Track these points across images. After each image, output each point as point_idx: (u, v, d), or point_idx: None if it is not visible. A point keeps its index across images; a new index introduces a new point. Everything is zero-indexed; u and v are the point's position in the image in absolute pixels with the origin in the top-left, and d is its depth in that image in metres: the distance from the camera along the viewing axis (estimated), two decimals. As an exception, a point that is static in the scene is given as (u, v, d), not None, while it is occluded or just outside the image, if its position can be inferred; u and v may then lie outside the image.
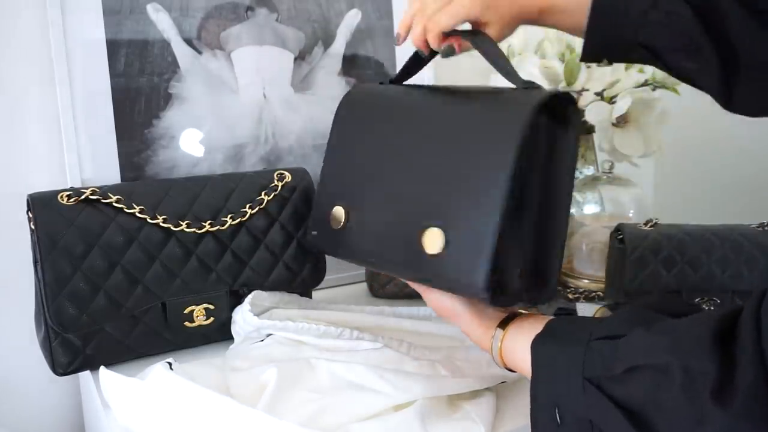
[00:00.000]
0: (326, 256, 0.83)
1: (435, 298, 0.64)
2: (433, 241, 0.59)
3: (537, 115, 0.58)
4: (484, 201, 0.57)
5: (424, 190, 0.61)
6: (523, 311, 0.61)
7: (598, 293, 0.95)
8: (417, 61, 0.71)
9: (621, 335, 0.48)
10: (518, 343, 0.56)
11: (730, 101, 0.62)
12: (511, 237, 0.58)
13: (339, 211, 0.68)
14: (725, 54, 0.59)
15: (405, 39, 0.68)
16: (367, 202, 0.66)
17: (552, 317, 0.57)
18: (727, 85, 0.60)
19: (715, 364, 0.42)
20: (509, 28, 0.67)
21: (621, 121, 1.03)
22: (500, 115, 0.59)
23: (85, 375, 0.77)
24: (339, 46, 1.00)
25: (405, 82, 0.73)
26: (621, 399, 0.47)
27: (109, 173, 0.86)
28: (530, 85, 0.61)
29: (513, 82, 0.62)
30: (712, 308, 0.81)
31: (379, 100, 0.70)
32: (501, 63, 0.63)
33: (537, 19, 0.67)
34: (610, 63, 0.66)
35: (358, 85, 0.78)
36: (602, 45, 0.65)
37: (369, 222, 0.66)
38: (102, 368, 0.65)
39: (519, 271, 0.60)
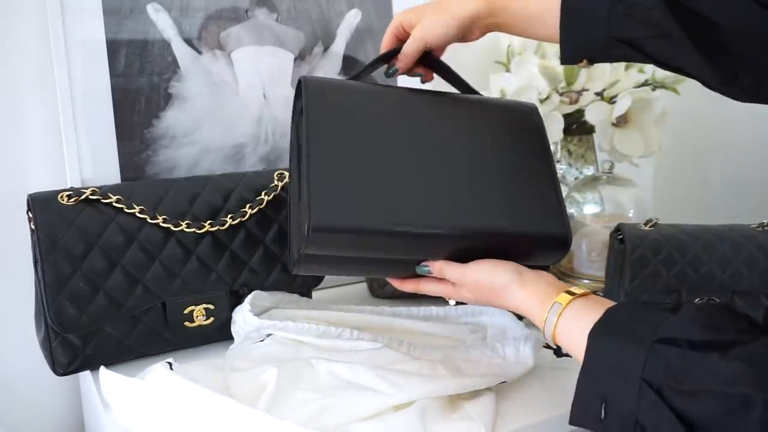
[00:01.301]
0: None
1: (474, 276, 0.62)
2: None
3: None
4: None
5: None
6: (579, 289, 0.59)
7: (598, 293, 0.95)
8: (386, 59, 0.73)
9: (687, 340, 0.47)
10: (575, 327, 0.55)
11: (725, 82, 0.59)
12: None
13: None
14: (699, 35, 0.58)
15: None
16: None
17: (613, 303, 0.55)
18: (716, 66, 0.58)
19: None
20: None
21: (621, 121, 1.03)
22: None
23: (85, 375, 0.77)
24: (339, 46, 1.00)
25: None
26: (685, 413, 0.46)
27: (109, 173, 0.86)
28: None
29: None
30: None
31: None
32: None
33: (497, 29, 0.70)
34: (591, 63, 0.66)
35: (319, 83, 0.68)
36: (578, 46, 0.65)
37: None
38: (102, 368, 0.65)
39: None
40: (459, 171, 0.65)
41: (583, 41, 0.64)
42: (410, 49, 0.70)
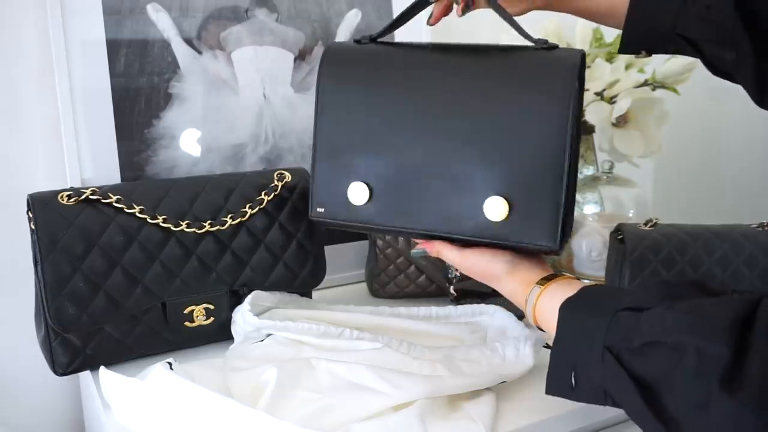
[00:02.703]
0: (325, 255, 0.83)
1: (471, 263, 0.65)
2: (497, 209, 0.62)
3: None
4: (546, 162, 0.60)
5: (470, 159, 0.63)
6: (563, 273, 0.62)
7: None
8: (414, 8, 0.71)
9: (647, 307, 0.49)
10: (552, 304, 0.57)
11: (762, 100, 0.61)
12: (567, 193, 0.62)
13: (360, 187, 0.66)
14: (762, 48, 0.59)
15: None
16: (392, 175, 0.66)
17: (589, 284, 0.58)
18: (762, 81, 0.60)
19: (729, 349, 0.42)
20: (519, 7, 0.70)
21: (621, 121, 1.03)
22: (547, 74, 0.61)
23: (85, 375, 0.77)
24: (339, 46, 1.00)
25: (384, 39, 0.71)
26: (637, 372, 0.47)
27: (109, 173, 0.86)
28: (547, 43, 0.63)
29: (529, 40, 0.64)
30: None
31: (377, 63, 0.68)
32: (515, 23, 0.64)
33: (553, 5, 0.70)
34: (649, 54, 0.67)
35: (335, 45, 0.71)
36: (641, 36, 0.66)
37: (401, 194, 0.65)
38: (102, 368, 0.65)
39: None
40: (442, 176, 0.64)
41: (646, 34, 0.65)
42: None
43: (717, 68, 0.65)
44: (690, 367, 0.44)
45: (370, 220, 0.67)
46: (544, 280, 0.61)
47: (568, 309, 0.54)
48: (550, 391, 0.55)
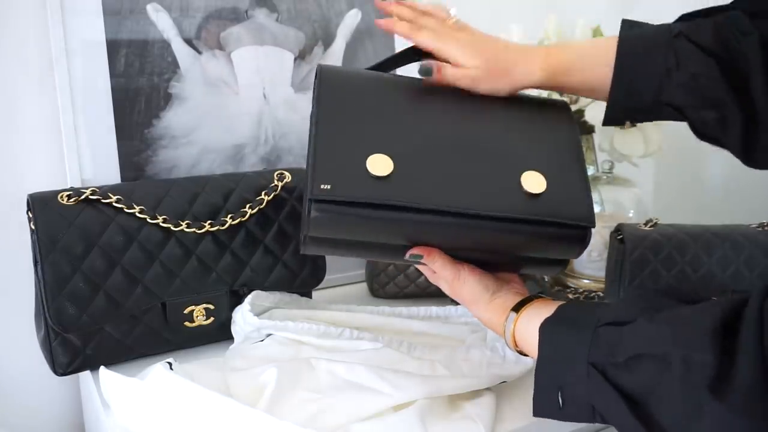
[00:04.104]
0: (326, 257, 0.83)
1: (463, 281, 0.63)
2: (535, 181, 0.63)
3: None
4: (569, 155, 0.66)
5: (500, 137, 0.66)
6: (540, 295, 0.62)
7: (598, 293, 0.95)
8: (409, 56, 0.72)
9: (628, 321, 0.49)
10: (530, 326, 0.57)
11: (749, 158, 0.62)
12: None
13: (381, 158, 0.60)
14: (748, 111, 0.59)
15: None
16: (417, 149, 0.62)
17: (564, 302, 0.57)
18: (746, 142, 0.60)
19: (715, 357, 0.42)
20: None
21: (621, 121, 1.03)
22: (553, 110, 0.71)
23: (85, 375, 0.77)
24: (339, 46, 1.00)
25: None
26: (624, 387, 0.47)
27: (109, 173, 0.86)
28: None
29: None
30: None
31: (381, 77, 0.69)
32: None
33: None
34: (633, 124, 0.66)
35: (331, 67, 0.69)
36: (625, 107, 0.65)
37: (427, 169, 0.61)
38: (102, 368, 0.65)
39: None
40: (471, 153, 0.63)
41: (631, 104, 0.65)
42: (453, 79, 0.67)
43: (703, 133, 0.64)
44: (677, 378, 0.44)
45: (390, 195, 0.59)
46: (519, 305, 0.60)
47: (547, 329, 0.54)
48: (537, 413, 0.55)
